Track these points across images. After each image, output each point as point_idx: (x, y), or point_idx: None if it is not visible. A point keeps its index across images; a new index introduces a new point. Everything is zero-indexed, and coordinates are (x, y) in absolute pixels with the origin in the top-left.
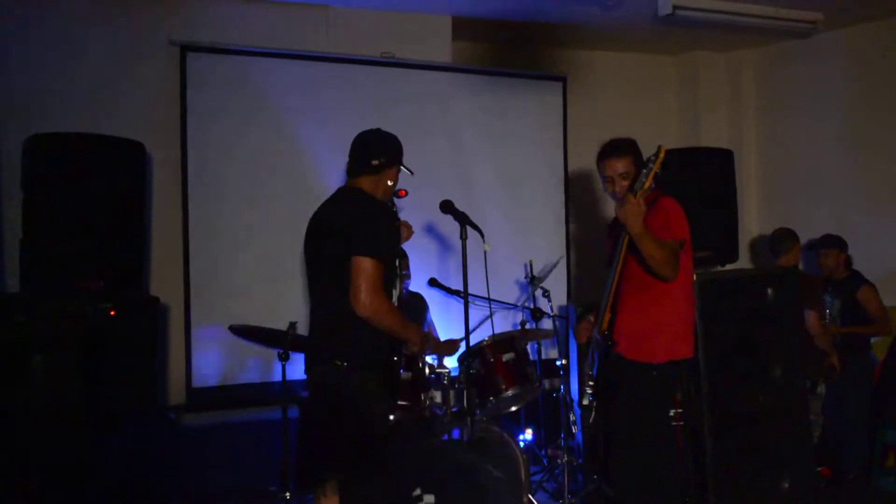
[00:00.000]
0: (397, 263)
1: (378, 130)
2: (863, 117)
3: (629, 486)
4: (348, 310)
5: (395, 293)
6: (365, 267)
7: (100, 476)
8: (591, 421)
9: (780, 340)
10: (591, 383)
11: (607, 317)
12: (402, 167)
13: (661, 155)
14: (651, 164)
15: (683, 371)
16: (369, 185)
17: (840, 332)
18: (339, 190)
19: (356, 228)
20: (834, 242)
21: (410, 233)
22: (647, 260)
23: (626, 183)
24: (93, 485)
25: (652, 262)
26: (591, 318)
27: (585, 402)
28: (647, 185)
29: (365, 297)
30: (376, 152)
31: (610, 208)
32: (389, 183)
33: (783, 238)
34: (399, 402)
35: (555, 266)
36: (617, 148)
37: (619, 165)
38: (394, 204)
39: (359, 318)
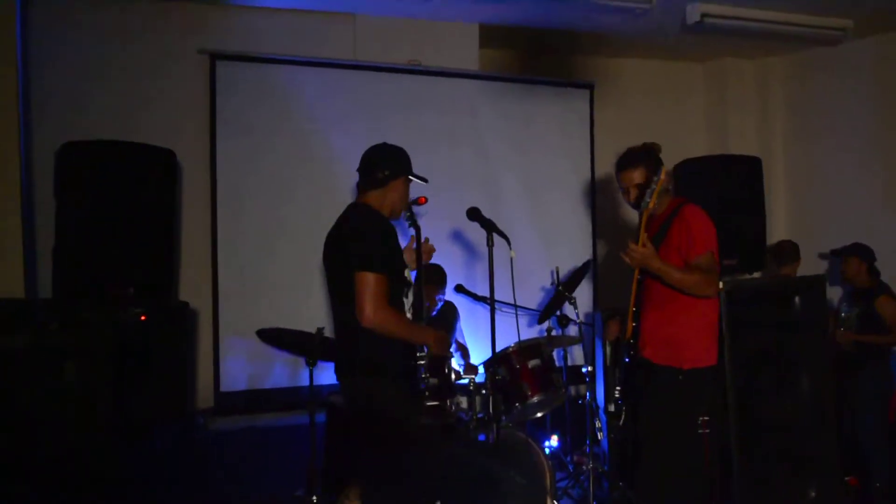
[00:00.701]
0: (406, 274)
1: (384, 144)
2: (892, 125)
3: (655, 493)
4: (358, 323)
5: (408, 302)
6: (366, 281)
7: (129, 480)
8: (620, 423)
9: (807, 349)
10: (618, 387)
11: (630, 326)
12: (412, 177)
13: (662, 177)
14: (653, 187)
15: (709, 378)
16: (376, 199)
17: (854, 338)
18: (347, 206)
19: (352, 245)
20: (854, 250)
21: (431, 250)
22: (681, 287)
23: (628, 192)
24: (122, 489)
25: (685, 288)
26: (619, 319)
27: (611, 408)
28: (651, 205)
29: (368, 310)
30: (380, 165)
31: (636, 217)
32: (398, 194)
33: (790, 251)
34: (427, 405)
35: (584, 273)
36: (629, 159)
37: (634, 176)
38: (411, 212)
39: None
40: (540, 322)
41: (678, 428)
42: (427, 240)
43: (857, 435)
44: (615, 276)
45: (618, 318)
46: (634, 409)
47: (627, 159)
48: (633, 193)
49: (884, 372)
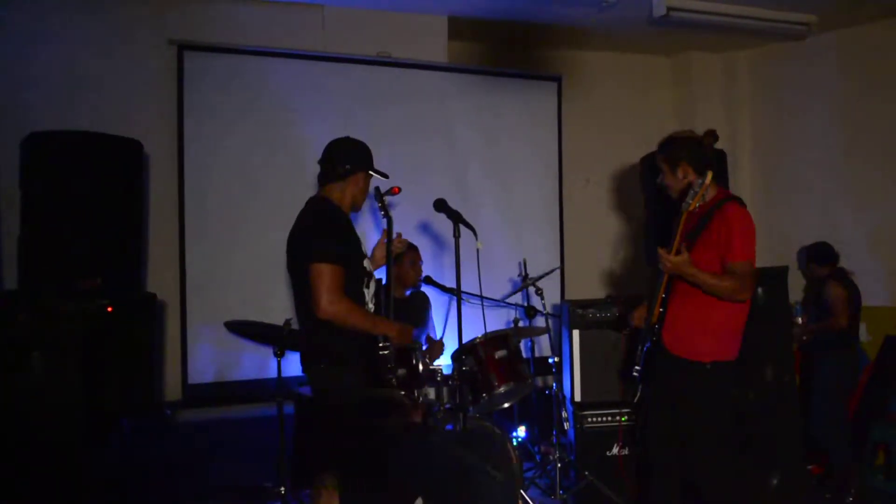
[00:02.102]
0: (365, 265)
1: (346, 138)
2: (856, 119)
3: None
4: (317, 314)
5: (369, 292)
6: (320, 273)
7: (97, 471)
8: (634, 400)
9: (770, 339)
10: (637, 367)
11: (657, 311)
12: (373, 173)
13: (707, 180)
14: (697, 189)
15: (731, 372)
16: (337, 193)
17: (805, 331)
18: (307, 200)
19: (307, 237)
20: (807, 256)
21: (403, 245)
22: (714, 293)
23: (664, 181)
24: (90, 481)
25: (720, 294)
26: (647, 305)
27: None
28: (692, 207)
29: (323, 301)
30: (341, 160)
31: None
32: (358, 188)
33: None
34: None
35: (550, 272)
36: (659, 145)
37: (659, 162)
38: (384, 203)
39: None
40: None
41: (706, 419)
42: (399, 235)
43: (819, 424)
44: (581, 267)
45: (644, 304)
46: (653, 396)
47: (658, 145)
48: (662, 177)
49: (846, 361)
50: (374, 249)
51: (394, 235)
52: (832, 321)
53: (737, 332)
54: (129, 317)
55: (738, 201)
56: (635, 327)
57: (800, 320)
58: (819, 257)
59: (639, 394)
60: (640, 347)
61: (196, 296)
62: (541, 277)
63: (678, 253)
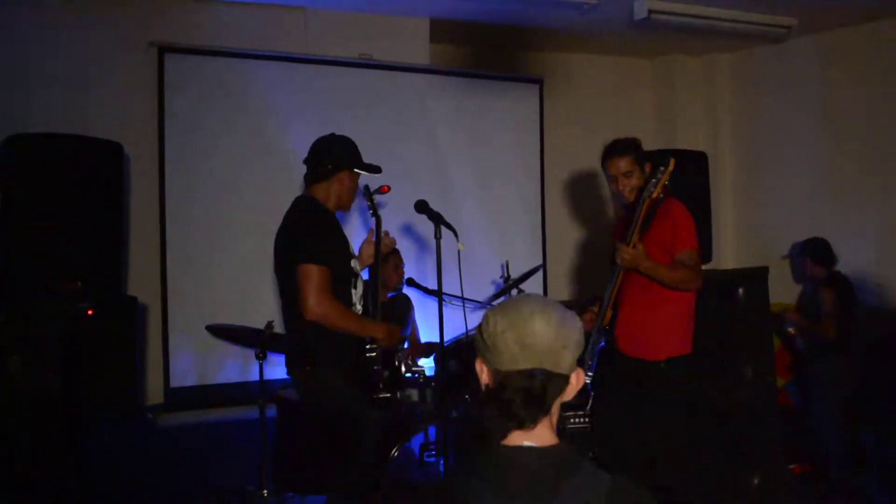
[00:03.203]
0: (353, 265)
1: (331, 136)
2: (835, 120)
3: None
4: (303, 316)
5: (356, 293)
6: (308, 273)
7: (77, 476)
8: (588, 409)
9: (751, 339)
10: (590, 374)
11: (609, 313)
12: (359, 170)
13: (671, 167)
14: (660, 175)
15: (686, 366)
16: (322, 192)
17: (795, 318)
18: (294, 200)
19: (295, 238)
20: (804, 250)
21: (392, 243)
22: (668, 284)
23: (629, 181)
24: (70, 485)
25: (672, 285)
26: (595, 309)
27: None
28: (654, 194)
29: (311, 302)
30: (324, 158)
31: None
32: (344, 187)
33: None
34: (380, 396)
35: (533, 271)
36: (617, 147)
37: (622, 164)
38: (373, 201)
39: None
40: None
41: (665, 416)
42: (387, 233)
43: (816, 426)
44: (564, 268)
45: (593, 308)
46: (608, 397)
47: (615, 147)
48: (621, 182)
49: (844, 365)
50: (361, 247)
51: (381, 234)
52: (823, 328)
53: (688, 325)
54: (109, 320)
55: (677, 198)
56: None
57: (791, 331)
58: (816, 255)
59: (590, 402)
60: (589, 351)
61: (178, 299)
62: (524, 278)
63: (634, 247)
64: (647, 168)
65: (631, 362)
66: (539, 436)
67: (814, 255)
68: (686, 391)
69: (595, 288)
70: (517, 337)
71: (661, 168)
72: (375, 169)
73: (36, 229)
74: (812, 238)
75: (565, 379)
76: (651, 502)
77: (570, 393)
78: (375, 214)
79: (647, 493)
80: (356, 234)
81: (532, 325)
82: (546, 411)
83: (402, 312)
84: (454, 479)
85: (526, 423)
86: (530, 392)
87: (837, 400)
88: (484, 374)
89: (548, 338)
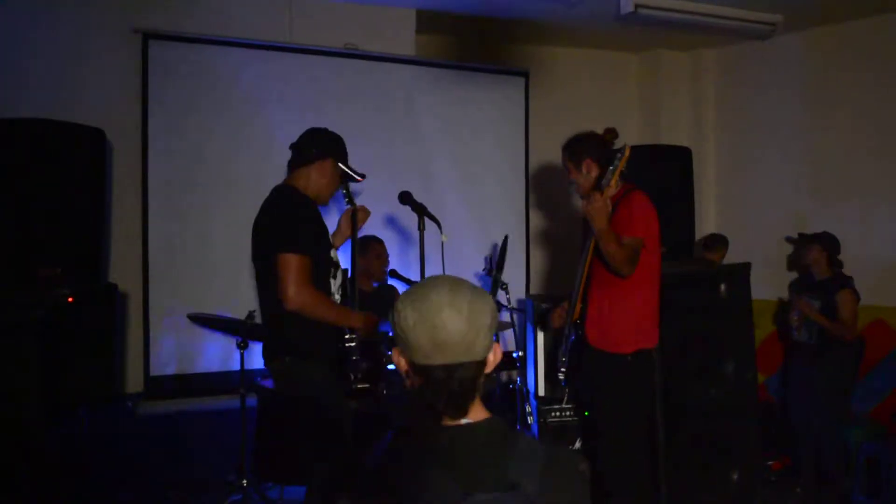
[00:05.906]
0: (332, 255)
1: (323, 128)
2: (819, 116)
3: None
4: (283, 306)
5: (336, 283)
6: (287, 262)
7: (55, 464)
8: (563, 404)
9: (732, 335)
10: (563, 370)
11: (578, 307)
12: (345, 168)
13: (626, 154)
14: (616, 163)
15: (653, 359)
16: (303, 179)
17: (815, 315)
18: (273, 188)
19: (274, 226)
20: (817, 238)
21: (366, 215)
22: (606, 257)
23: (570, 179)
24: (48, 472)
25: (611, 259)
26: (565, 305)
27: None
28: (613, 182)
29: (290, 291)
30: (308, 144)
31: (569, 203)
32: (324, 176)
33: (720, 240)
34: (359, 387)
35: (504, 247)
36: (563, 146)
37: (564, 162)
38: (348, 190)
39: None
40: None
41: (629, 408)
42: (363, 207)
43: (812, 424)
44: (547, 261)
45: (563, 304)
46: (580, 391)
47: (561, 148)
48: (567, 179)
49: (843, 364)
50: (339, 219)
51: (358, 225)
52: (841, 329)
53: (654, 318)
54: (89, 307)
55: (643, 192)
56: (555, 328)
57: (796, 320)
58: (834, 250)
59: (566, 396)
60: (562, 348)
61: (159, 287)
62: (502, 260)
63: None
64: (586, 165)
65: (599, 355)
66: (472, 413)
67: (831, 248)
68: (652, 384)
69: None
70: (429, 333)
71: (618, 155)
72: (359, 174)
73: (16, 215)
74: (827, 233)
75: (482, 362)
76: (586, 471)
77: (489, 368)
78: (352, 202)
79: (583, 461)
80: (334, 225)
81: (442, 318)
82: (472, 398)
83: (388, 302)
84: (398, 461)
85: (457, 417)
86: (451, 389)
87: (837, 396)
88: (402, 364)
89: (459, 332)
